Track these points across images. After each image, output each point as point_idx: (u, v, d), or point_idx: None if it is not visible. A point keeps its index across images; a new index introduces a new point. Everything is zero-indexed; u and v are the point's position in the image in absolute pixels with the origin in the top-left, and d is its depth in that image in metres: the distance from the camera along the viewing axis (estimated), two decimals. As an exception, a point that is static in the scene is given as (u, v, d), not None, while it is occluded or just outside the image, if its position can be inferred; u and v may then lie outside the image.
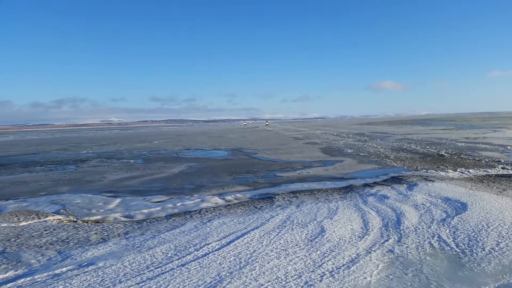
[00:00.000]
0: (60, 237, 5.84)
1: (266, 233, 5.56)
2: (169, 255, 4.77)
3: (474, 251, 4.64)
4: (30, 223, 6.77)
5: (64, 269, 4.45)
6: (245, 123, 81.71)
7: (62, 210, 7.81)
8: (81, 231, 6.19)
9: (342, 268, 4.19)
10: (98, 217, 7.23)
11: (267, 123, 66.86)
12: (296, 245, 4.99)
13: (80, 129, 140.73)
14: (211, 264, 4.38)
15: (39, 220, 6.95)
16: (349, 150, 18.60)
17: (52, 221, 6.89)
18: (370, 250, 4.75)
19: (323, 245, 4.98)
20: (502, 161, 12.90)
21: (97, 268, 4.40)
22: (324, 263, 4.34)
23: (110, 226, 6.43)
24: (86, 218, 7.14)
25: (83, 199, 8.98)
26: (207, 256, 4.66)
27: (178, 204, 7.99)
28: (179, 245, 5.16)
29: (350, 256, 4.57)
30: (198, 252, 4.83)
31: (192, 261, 4.50)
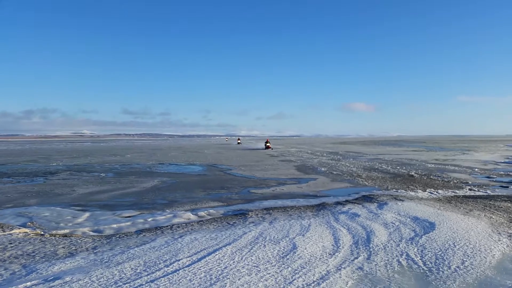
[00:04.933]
0: (26, 251, 5.65)
1: (238, 249, 5.54)
2: (138, 270, 4.68)
3: (441, 269, 4.76)
4: (-7, 237, 6.52)
5: (29, 283, 4.30)
6: (239, 141, 70.36)
7: (29, 223, 7.57)
8: (48, 244, 6.01)
9: (312, 285, 4.22)
10: (66, 230, 7.04)
11: (268, 145, 44.11)
12: (268, 261, 5.00)
13: (51, 141, 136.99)
14: (181, 280, 4.33)
15: (4, 233, 6.70)
16: (322, 169, 18.82)
17: (17, 234, 6.65)
18: (340, 267, 4.80)
19: (294, 261, 5.00)
20: (470, 182, 13.34)
21: (64, 283, 4.28)
22: (294, 279, 4.36)
23: (79, 240, 6.27)
24: (54, 232, 6.94)
25: (52, 212, 8.72)
26: (177, 272, 4.60)
27: (149, 219, 7.87)
28: (149, 260, 5.08)
29: (320, 273, 4.60)
30: (168, 268, 4.76)
31: (162, 277, 4.43)
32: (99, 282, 4.31)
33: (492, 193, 10.94)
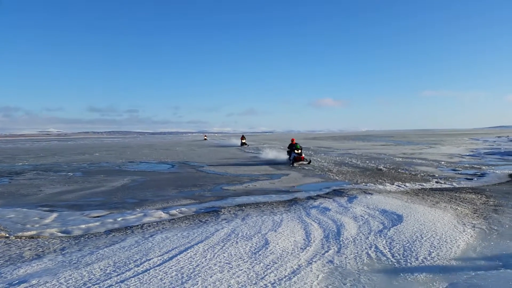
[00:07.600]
0: (-12, 255, 5.44)
1: (210, 247, 5.52)
2: (107, 271, 4.59)
3: (408, 260, 4.89)
4: (-47, 241, 6.24)
5: (-9, 289, 4.15)
6: (244, 141, 48.10)
7: (-8, 226, 7.29)
8: (13, 247, 5.81)
9: (284, 279, 4.26)
10: (33, 232, 6.82)
11: (300, 151, 20.92)
12: (240, 258, 5.00)
13: (16, 140, 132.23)
14: (151, 280, 4.27)
15: (-36, 237, 6.43)
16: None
17: (-21, 238, 6.40)
18: (311, 261, 4.86)
19: (266, 257, 5.02)
20: (436, 175, 13.76)
21: (30, 286, 4.15)
22: (266, 275, 4.39)
23: (46, 242, 6.09)
24: (19, 234, 6.71)
25: (17, 213, 8.43)
26: (148, 272, 4.54)
27: (119, 219, 7.72)
28: (119, 261, 4.99)
29: (292, 267, 4.65)
30: (139, 268, 4.69)
31: (132, 277, 4.36)
32: (67, 284, 4.20)
33: (457, 185, 11.34)
